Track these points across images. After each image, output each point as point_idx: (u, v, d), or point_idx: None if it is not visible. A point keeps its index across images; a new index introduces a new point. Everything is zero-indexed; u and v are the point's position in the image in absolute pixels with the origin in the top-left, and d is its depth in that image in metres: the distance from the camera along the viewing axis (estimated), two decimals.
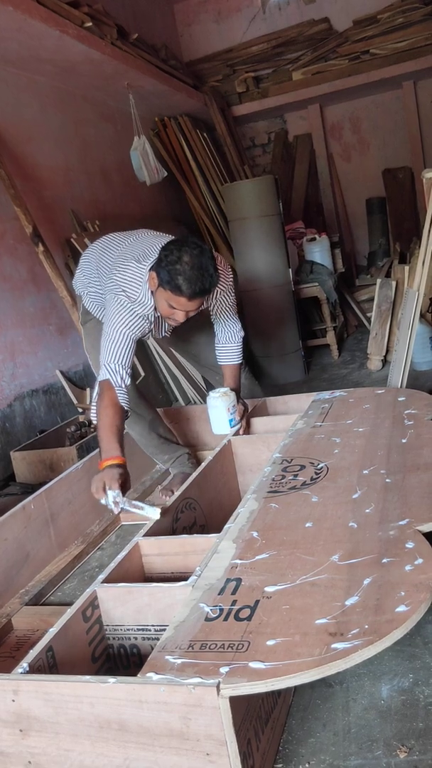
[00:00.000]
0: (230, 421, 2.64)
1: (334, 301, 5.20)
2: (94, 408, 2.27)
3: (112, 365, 2.21)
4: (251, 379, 3.23)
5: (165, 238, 2.36)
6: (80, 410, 3.96)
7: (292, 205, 6.83)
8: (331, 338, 5.01)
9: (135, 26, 5.59)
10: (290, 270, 4.72)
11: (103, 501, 2.04)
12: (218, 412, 2.63)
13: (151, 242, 2.37)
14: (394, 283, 4.46)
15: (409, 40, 6.02)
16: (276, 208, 4.54)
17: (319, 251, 5.65)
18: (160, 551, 1.80)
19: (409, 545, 1.45)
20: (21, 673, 1.29)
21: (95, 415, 2.26)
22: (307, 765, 1.33)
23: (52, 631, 1.41)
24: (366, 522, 1.62)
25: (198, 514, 2.15)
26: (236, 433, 2.64)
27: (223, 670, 1.16)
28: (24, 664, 1.30)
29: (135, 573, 1.76)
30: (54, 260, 3.78)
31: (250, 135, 7.26)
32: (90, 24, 3.92)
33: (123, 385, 2.21)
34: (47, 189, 4.22)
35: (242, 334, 2.69)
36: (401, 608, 1.22)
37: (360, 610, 1.25)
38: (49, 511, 2.38)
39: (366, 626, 1.19)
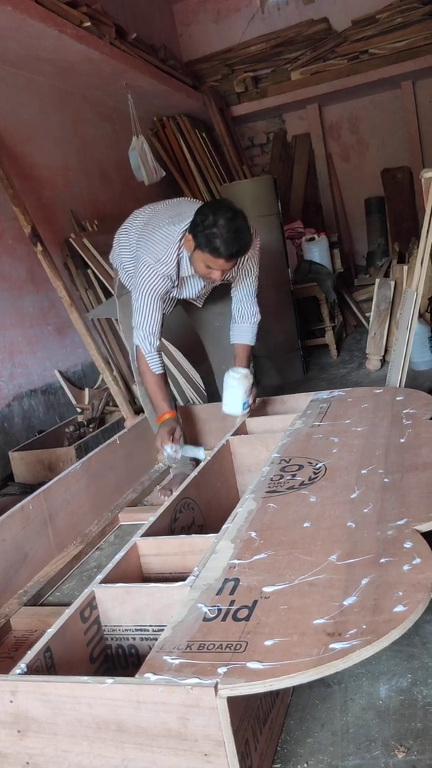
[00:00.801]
0: (243, 404, 2.70)
1: (332, 301, 5.20)
2: (135, 366, 2.59)
3: (141, 332, 2.44)
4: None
5: (198, 204, 2.48)
6: (79, 410, 3.96)
7: (290, 205, 6.83)
8: (329, 338, 5.01)
9: (134, 26, 5.59)
10: (289, 270, 4.72)
11: (163, 454, 2.46)
12: (235, 392, 2.68)
13: (185, 207, 2.52)
14: (392, 283, 4.46)
15: (407, 40, 6.02)
16: (275, 207, 4.54)
17: (317, 251, 5.65)
18: (158, 551, 1.80)
19: (407, 545, 1.45)
20: (19, 673, 1.29)
21: (138, 374, 2.56)
22: (305, 765, 1.33)
23: (50, 631, 1.41)
24: (364, 522, 1.61)
25: (196, 514, 2.15)
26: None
27: (221, 670, 1.16)
28: (22, 665, 1.30)
29: (133, 573, 1.76)
30: (53, 260, 3.77)
31: (248, 135, 7.26)
32: (89, 24, 3.92)
33: (153, 350, 2.45)
34: (46, 189, 4.22)
35: (259, 317, 2.77)
36: (399, 608, 1.22)
37: (358, 610, 1.25)
38: (47, 511, 2.38)
39: (364, 626, 1.19)
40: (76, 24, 3.79)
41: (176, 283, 2.50)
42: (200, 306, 2.90)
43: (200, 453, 2.51)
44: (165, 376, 2.53)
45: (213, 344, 3.11)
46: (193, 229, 2.29)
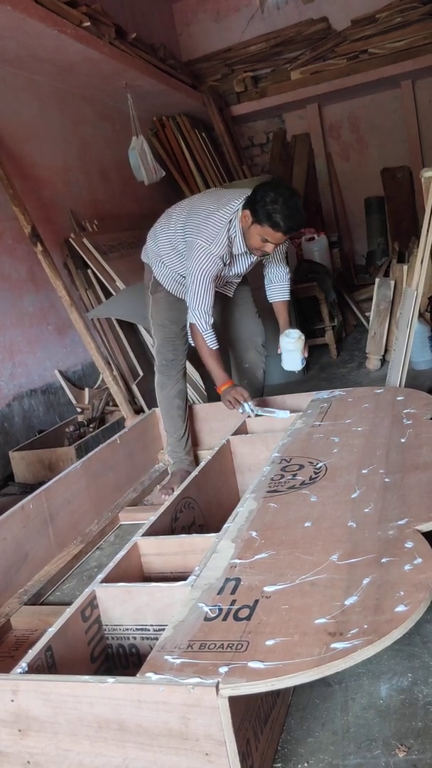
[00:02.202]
0: (302, 360, 2.89)
1: (332, 301, 5.20)
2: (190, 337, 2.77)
3: (198, 311, 2.60)
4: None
5: (241, 190, 2.67)
6: (79, 410, 3.96)
7: None
8: (329, 337, 5.01)
9: (133, 26, 5.59)
10: (289, 269, 4.71)
11: (240, 410, 2.69)
12: (294, 354, 2.88)
13: (223, 193, 2.72)
14: (392, 283, 4.46)
15: (407, 40, 6.01)
16: None
17: (317, 250, 5.65)
18: (159, 551, 1.80)
19: (409, 545, 1.45)
20: (20, 673, 1.29)
21: (196, 344, 2.71)
22: (306, 764, 1.33)
23: (51, 630, 1.41)
24: (365, 522, 1.61)
25: (197, 513, 2.15)
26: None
27: (222, 669, 1.16)
28: (23, 664, 1.30)
29: (134, 573, 1.76)
30: (52, 260, 3.77)
31: (248, 134, 7.25)
32: (88, 23, 3.92)
33: (208, 328, 2.62)
34: (46, 189, 4.22)
35: (290, 276, 3.03)
36: (400, 608, 1.22)
37: (359, 609, 1.25)
38: (48, 510, 2.38)
39: (365, 626, 1.19)
40: (75, 24, 3.78)
41: (228, 262, 2.65)
42: (231, 295, 3.03)
43: (286, 415, 2.70)
44: (219, 352, 2.71)
45: (234, 336, 3.17)
46: (253, 204, 2.47)
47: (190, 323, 2.68)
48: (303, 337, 2.88)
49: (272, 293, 3.03)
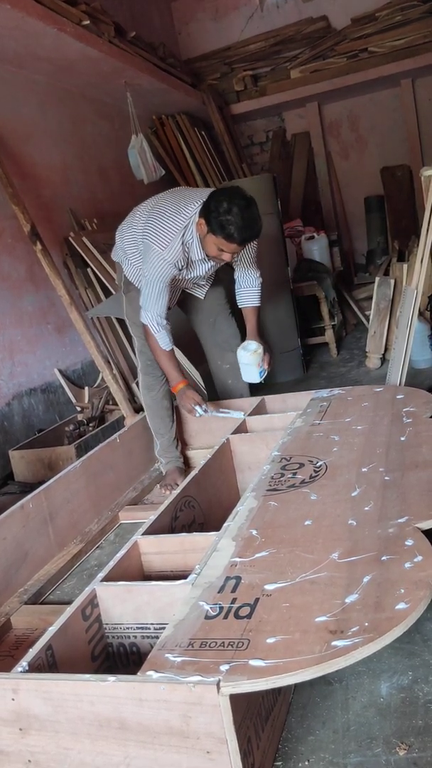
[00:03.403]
0: (260, 372, 2.85)
1: (332, 300, 5.20)
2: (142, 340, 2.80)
3: (150, 313, 2.60)
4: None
5: (202, 191, 2.61)
6: (79, 409, 3.96)
7: (290, 203, 6.83)
8: (329, 336, 5.01)
9: (133, 24, 5.58)
10: (289, 268, 4.72)
11: (197, 415, 2.68)
12: (250, 367, 2.87)
13: (186, 194, 2.65)
14: (392, 281, 4.46)
15: (407, 38, 6.01)
16: (274, 206, 4.53)
17: (317, 249, 5.65)
18: (159, 549, 1.80)
19: (409, 543, 1.45)
20: (21, 671, 1.29)
21: (149, 344, 2.73)
22: (306, 763, 1.33)
23: (52, 629, 1.41)
24: (365, 520, 1.62)
25: (197, 512, 2.15)
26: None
27: (223, 668, 1.16)
28: (24, 663, 1.30)
29: (134, 571, 1.76)
30: (52, 259, 3.77)
31: (248, 133, 7.25)
32: (88, 22, 3.91)
33: (161, 329, 2.62)
34: (45, 187, 4.21)
35: (261, 281, 2.95)
36: (401, 606, 1.22)
37: (360, 607, 1.25)
38: (47, 510, 2.38)
39: (366, 624, 1.19)
40: (75, 22, 3.78)
41: (184, 266, 2.62)
42: (202, 297, 3.00)
43: (240, 416, 2.77)
44: (173, 352, 2.72)
45: (210, 341, 3.15)
46: (207, 214, 2.41)
47: (143, 322, 2.66)
48: (261, 350, 2.83)
49: (241, 298, 2.96)
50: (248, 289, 2.93)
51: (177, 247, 2.51)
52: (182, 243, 2.52)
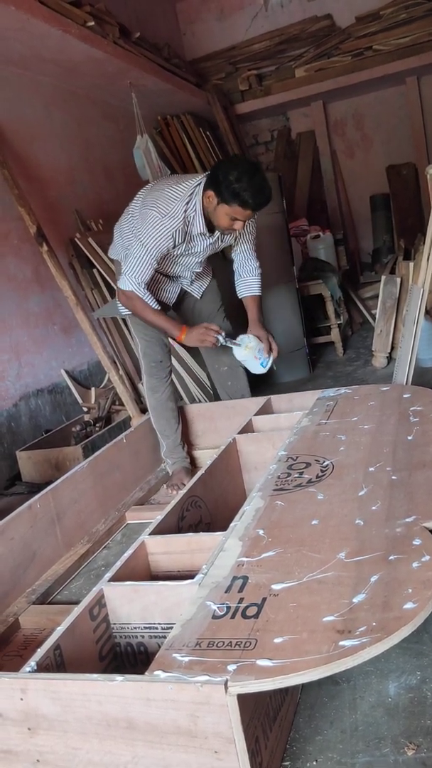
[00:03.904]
0: (262, 363, 2.79)
1: (338, 299, 5.19)
2: (120, 305, 2.71)
3: (133, 278, 2.53)
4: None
5: (197, 174, 2.61)
6: (85, 409, 3.97)
7: (295, 202, 6.82)
8: (335, 335, 5.00)
9: (137, 25, 5.58)
10: (294, 267, 4.71)
11: (219, 344, 2.64)
12: (250, 362, 2.79)
13: (184, 176, 2.64)
14: (398, 280, 4.45)
15: (412, 36, 6.00)
16: (279, 205, 4.53)
17: (323, 248, 5.64)
18: (166, 549, 1.80)
19: (416, 542, 1.45)
20: (29, 671, 1.29)
21: (126, 310, 2.70)
22: (314, 762, 1.33)
23: (60, 629, 1.42)
24: (372, 519, 1.61)
25: (203, 512, 2.15)
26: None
27: (231, 667, 1.16)
28: (32, 663, 1.31)
29: (141, 571, 1.77)
30: (58, 260, 3.78)
31: (253, 133, 7.25)
32: (92, 23, 3.92)
33: (146, 291, 2.56)
34: (51, 189, 4.22)
35: (260, 270, 2.92)
36: (409, 605, 1.22)
37: (367, 607, 1.25)
38: (55, 510, 2.39)
39: (374, 623, 1.19)
40: (79, 23, 3.79)
41: (181, 241, 2.56)
42: (199, 297, 2.96)
43: (252, 341, 2.75)
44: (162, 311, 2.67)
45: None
46: (217, 185, 2.40)
47: (122, 290, 2.57)
48: (253, 342, 2.76)
49: (242, 288, 2.93)
50: (248, 278, 2.91)
51: (178, 215, 2.46)
52: (184, 214, 2.48)
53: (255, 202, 2.39)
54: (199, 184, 2.49)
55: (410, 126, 6.73)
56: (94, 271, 4.29)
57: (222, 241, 2.72)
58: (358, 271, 6.82)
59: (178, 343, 2.73)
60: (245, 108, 6.65)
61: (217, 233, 2.62)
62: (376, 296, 4.88)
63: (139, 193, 2.74)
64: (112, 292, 4.28)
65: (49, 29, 3.46)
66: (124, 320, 4.22)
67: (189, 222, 2.52)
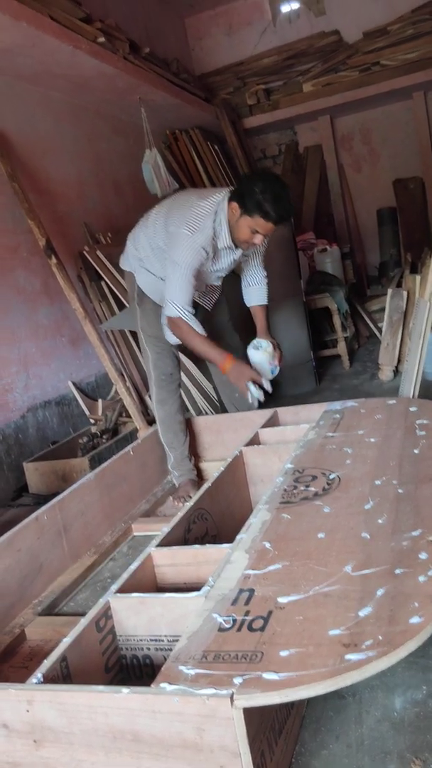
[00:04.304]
0: (272, 370, 2.80)
1: (345, 312, 5.20)
2: (168, 330, 2.68)
3: (179, 303, 2.52)
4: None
5: (220, 189, 2.64)
6: (92, 421, 3.98)
7: (302, 216, 6.85)
8: (342, 349, 5.01)
9: (147, 41, 5.65)
10: (301, 281, 4.73)
11: (250, 400, 2.62)
12: (262, 366, 2.80)
13: (204, 190, 2.70)
14: (405, 294, 4.46)
15: (419, 51, 6.04)
16: None
17: (330, 262, 5.66)
18: (172, 561, 1.80)
19: (423, 556, 1.45)
20: (35, 683, 1.29)
21: (174, 338, 2.67)
22: None
23: (66, 640, 1.42)
24: (379, 533, 1.61)
25: (210, 524, 2.16)
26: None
27: (237, 680, 1.16)
28: (38, 674, 1.31)
29: (147, 583, 1.77)
30: (67, 272, 3.81)
31: (260, 147, 7.30)
32: (103, 39, 3.97)
33: (192, 317, 2.54)
34: (60, 202, 4.26)
35: (267, 280, 2.98)
36: (415, 619, 1.22)
37: (373, 621, 1.25)
38: (61, 521, 2.39)
39: (380, 637, 1.19)
40: (90, 39, 3.84)
41: (211, 255, 2.58)
42: (209, 309, 2.98)
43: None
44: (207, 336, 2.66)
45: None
46: (241, 196, 2.44)
47: (169, 317, 2.56)
48: (271, 348, 2.81)
49: (250, 297, 2.98)
50: (256, 287, 2.95)
51: (208, 231, 2.49)
52: (213, 228, 2.50)
53: (277, 215, 2.42)
54: (223, 198, 2.52)
55: (417, 140, 6.76)
56: (102, 283, 4.32)
57: (244, 255, 2.75)
58: (364, 284, 6.84)
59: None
60: (253, 122, 6.70)
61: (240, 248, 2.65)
62: (383, 310, 4.89)
63: (159, 207, 2.75)
64: (120, 304, 4.31)
65: (60, 45, 3.51)
66: (131, 332, 4.24)
67: (216, 236, 2.55)
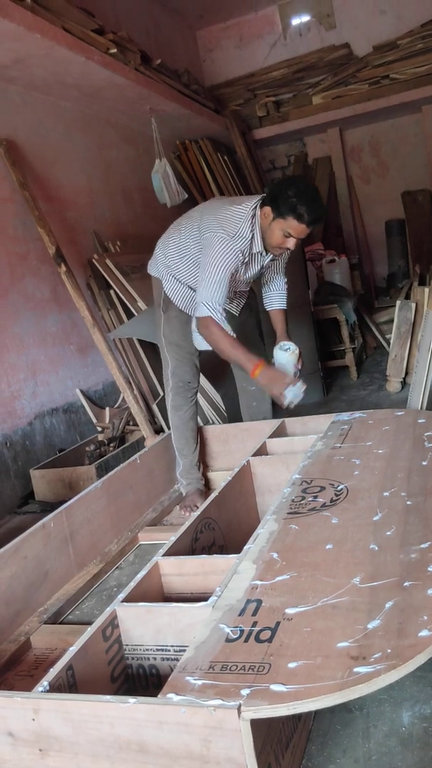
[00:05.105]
0: (295, 373, 2.77)
1: (353, 323, 5.20)
2: (197, 335, 2.68)
3: (211, 303, 2.49)
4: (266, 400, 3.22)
5: (251, 196, 2.65)
6: (99, 429, 3.98)
7: None
8: (349, 360, 5.00)
9: (158, 52, 5.69)
10: (309, 291, 4.73)
11: (285, 405, 2.54)
12: (286, 368, 2.77)
13: (238, 198, 2.71)
14: (413, 305, 4.45)
15: (428, 65, 6.06)
16: None
17: (338, 273, 5.66)
18: (179, 571, 1.80)
19: (431, 569, 1.44)
20: (41, 691, 1.29)
21: (204, 343, 2.64)
22: None
23: (73, 649, 1.41)
24: (387, 545, 1.60)
25: (217, 534, 2.15)
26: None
27: (244, 692, 1.15)
28: (45, 683, 1.30)
29: (154, 592, 1.76)
30: (76, 280, 3.82)
31: (270, 158, 7.33)
32: (115, 50, 4.00)
33: (223, 320, 2.52)
34: (70, 210, 4.28)
35: (287, 286, 3.04)
36: (424, 632, 1.21)
37: (382, 633, 1.24)
38: (68, 529, 2.39)
39: (389, 650, 1.18)
40: (102, 51, 3.86)
41: (246, 261, 2.60)
42: (236, 314, 3.00)
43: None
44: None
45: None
46: (274, 200, 2.46)
47: (201, 317, 2.53)
48: (297, 350, 2.80)
49: (270, 301, 3.02)
50: (277, 292, 3.00)
51: (246, 235, 2.51)
52: (251, 234, 2.53)
53: (310, 218, 2.44)
54: (256, 204, 2.54)
55: (426, 153, 6.78)
56: (111, 292, 4.33)
57: (271, 261, 2.77)
58: (373, 295, 6.83)
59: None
60: (263, 133, 6.72)
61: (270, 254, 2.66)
62: (391, 321, 4.89)
63: (190, 214, 2.77)
64: (128, 313, 4.32)
65: (72, 56, 3.54)
66: (139, 341, 4.25)
67: (253, 241, 2.57)
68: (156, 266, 2.88)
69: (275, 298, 3.00)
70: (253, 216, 2.53)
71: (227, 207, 2.57)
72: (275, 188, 2.49)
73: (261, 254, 2.64)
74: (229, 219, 2.52)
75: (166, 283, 2.82)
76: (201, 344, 2.75)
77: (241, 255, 2.53)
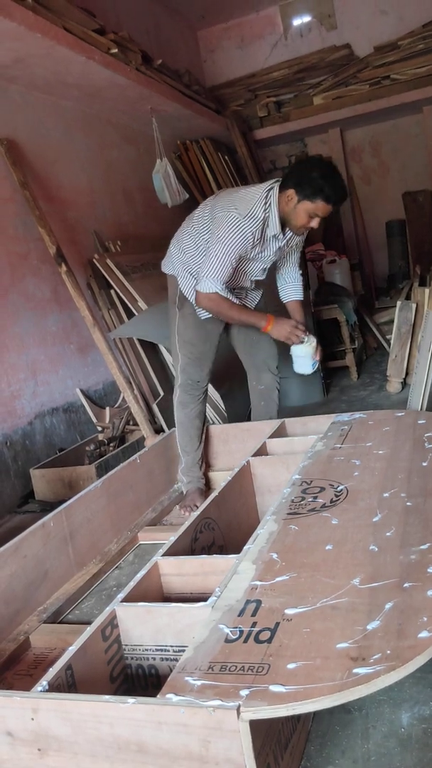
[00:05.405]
0: (313, 364, 2.83)
1: (353, 323, 5.20)
2: (199, 309, 2.74)
3: (213, 279, 2.54)
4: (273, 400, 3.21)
5: (264, 183, 2.64)
6: (99, 429, 3.98)
7: None
8: (350, 360, 5.00)
9: (159, 52, 5.70)
10: (310, 291, 4.73)
11: (306, 345, 2.75)
12: (305, 359, 2.82)
13: (249, 185, 2.70)
14: (414, 306, 4.45)
15: (429, 66, 6.06)
16: None
17: (338, 273, 5.67)
18: (179, 571, 1.80)
19: (431, 570, 1.44)
20: (41, 691, 1.29)
21: (207, 312, 2.70)
22: None
23: (72, 648, 1.41)
24: (387, 545, 1.60)
25: (216, 534, 2.15)
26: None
27: (243, 692, 1.15)
28: (44, 683, 1.30)
29: (154, 592, 1.76)
30: (76, 280, 3.82)
31: (270, 158, 7.33)
32: (116, 50, 4.00)
33: (227, 292, 2.60)
34: (71, 210, 4.28)
35: (302, 278, 3.06)
36: (424, 634, 1.21)
37: (382, 634, 1.24)
38: (67, 529, 2.39)
39: (388, 651, 1.18)
40: (103, 50, 3.86)
41: (258, 243, 2.61)
42: (252, 308, 2.97)
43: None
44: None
45: (248, 361, 3.13)
46: (298, 183, 2.49)
47: (203, 292, 2.57)
48: (315, 342, 2.82)
49: (286, 293, 3.02)
50: (293, 284, 3.01)
51: (258, 216, 2.52)
52: (264, 216, 2.53)
53: (337, 196, 2.49)
54: (271, 188, 2.55)
55: (426, 153, 6.78)
56: (112, 291, 4.33)
57: (288, 246, 2.79)
58: (373, 296, 6.84)
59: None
60: (264, 134, 6.73)
61: (287, 235, 2.68)
62: (391, 321, 4.89)
63: (203, 205, 2.77)
64: (128, 312, 4.32)
65: (73, 56, 3.54)
66: (140, 341, 4.25)
67: (266, 224, 2.57)
68: (171, 263, 2.88)
69: (291, 289, 3.02)
70: (267, 198, 2.54)
71: (240, 189, 2.61)
72: (297, 171, 2.53)
73: (276, 237, 2.64)
74: (243, 198, 2.54)
75: (181, 280, 2.81)
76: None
77: (251, 237, 2.53)
